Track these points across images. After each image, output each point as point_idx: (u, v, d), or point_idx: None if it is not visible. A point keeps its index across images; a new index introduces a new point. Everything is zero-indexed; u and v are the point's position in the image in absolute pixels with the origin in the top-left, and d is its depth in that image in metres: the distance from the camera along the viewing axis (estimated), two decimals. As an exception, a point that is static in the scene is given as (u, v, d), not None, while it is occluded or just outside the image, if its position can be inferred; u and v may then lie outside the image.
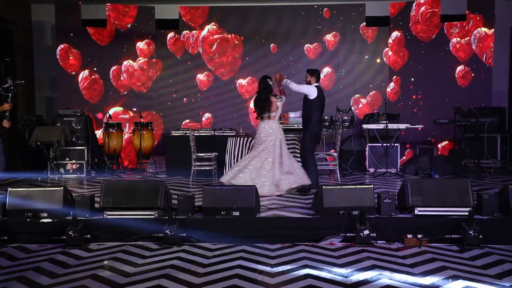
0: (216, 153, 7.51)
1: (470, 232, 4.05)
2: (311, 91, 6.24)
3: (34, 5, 9.82)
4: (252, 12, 9.66)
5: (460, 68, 9.10)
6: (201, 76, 9.72)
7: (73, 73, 9.34)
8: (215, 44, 9.64)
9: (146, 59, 9.59)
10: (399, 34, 9.36)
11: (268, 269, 3.55)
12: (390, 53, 9.42)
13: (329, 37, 9.56)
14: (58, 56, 9.25)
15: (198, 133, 8.07)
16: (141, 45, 9.57)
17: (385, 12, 9.44)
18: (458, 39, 9.12)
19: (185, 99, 9.71)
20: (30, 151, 8.17)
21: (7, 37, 8.79)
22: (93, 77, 9.40)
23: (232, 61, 9.69)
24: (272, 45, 9.63)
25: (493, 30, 8.95)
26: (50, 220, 4.51)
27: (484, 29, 8.99)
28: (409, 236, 4.17)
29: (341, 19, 9.51)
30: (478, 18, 9.00)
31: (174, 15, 9.58)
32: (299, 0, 9.58)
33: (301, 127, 7.86)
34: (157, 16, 9.58)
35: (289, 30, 9.61)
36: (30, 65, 9.83)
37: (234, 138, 7.12)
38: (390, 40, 9.41)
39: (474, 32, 9.03)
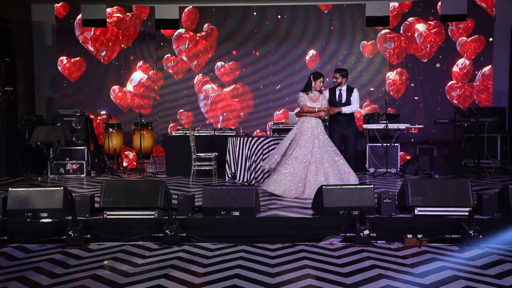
0: (216, 153, 7.51)
1: (470, 232, 4.05)
2: (358, 95, 6.35)
3: (34, 5, 9.82)
4: (248, 13, 9.64)
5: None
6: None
7: (74, 81, 9.39)
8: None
9: (146, 79, 9.67)
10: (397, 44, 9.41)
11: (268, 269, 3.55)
12: (390, 74, 9.47)
13: (329, 36, 9.57)
14: (60, 68, 9.33)
15: (198, 133, 8.07)
16: (141, 64, 9.66)
17: (385, 12, 9.44)
18: (460, 64, 9.14)
19: (181, 110, 9.74)
20: (30, 151, 8.17)
21: (7, 37, 8.79)
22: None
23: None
24: (271, 47, 9.65)
25: (490, 67, 8.95)
26: (50, 220, 4.51)
27: (485, 69, 8.97)
28: (409, 236, 4.17)
29: (343, 18, 9.52)
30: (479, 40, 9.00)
31: (174, 15, 9.58)
32: (299, 0, 9.58)
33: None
34: (157, 16, 9.59)
35: (287, 31, 9.60)
36: (30, 65, 9.83)
37: (234, 138, 7.12)
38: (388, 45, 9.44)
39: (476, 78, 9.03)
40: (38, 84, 9.99)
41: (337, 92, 6.28)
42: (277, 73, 9.66)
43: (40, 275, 3.46)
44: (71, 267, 3.64)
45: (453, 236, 4.18)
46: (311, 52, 9.61)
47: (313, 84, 5.97)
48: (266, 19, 9.61)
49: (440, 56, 9.21)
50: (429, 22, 9.23)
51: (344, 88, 6.28)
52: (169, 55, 9.67)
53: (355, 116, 6.39)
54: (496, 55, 9.08)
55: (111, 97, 9.55)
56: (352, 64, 9.55)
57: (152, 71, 9.66)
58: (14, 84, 8.44)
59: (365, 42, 9.51)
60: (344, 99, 6.23)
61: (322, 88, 6.06)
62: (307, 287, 3.18)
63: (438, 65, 9.20)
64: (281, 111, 9.63)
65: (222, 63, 9.65)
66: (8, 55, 8.34)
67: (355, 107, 6.19)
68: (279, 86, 9.60)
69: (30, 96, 9.82)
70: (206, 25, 9.62)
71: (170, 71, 9.68)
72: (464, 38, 9.05)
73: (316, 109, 5.91)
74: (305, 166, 5.75)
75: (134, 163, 9.31)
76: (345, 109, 6.17)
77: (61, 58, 9.32)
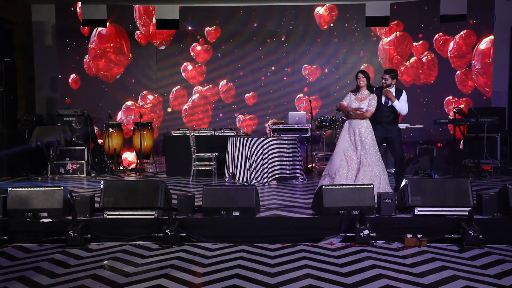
0: (216, 153, 7.51)
1: (470, 232, 4.05)
2: (406, 98, 5.89)
3: (34, 5, 9.82)
4: (249, 13, 9.65)
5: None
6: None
7: (75, 90, 9.42)
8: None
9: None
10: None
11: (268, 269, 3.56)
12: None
13: (328, 35, 9.58)
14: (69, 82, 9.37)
15: (198, 133, 8.07)
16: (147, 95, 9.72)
17: (385, 12, 9.43)
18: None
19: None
20: (30, 151, 8.17)
21: (7, 37, 8.80)
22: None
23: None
24: (269, 45, 9.66)
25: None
26: (50, 220, 4.51)
27: None
28: (409, 236, 4.18)
29: (344, 18, 9.53)
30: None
31: (174, 15, 9.59)
32: (299, 0, 9.58)
33: (302, 127, 7.84)
34: (157, 16, 9.59)
35: (286, 31, 9.60)
36: (30, 65, 9.83)
37: (234, 138, 7.12)
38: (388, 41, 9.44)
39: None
40: (38, 84, 9.99)
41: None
42: (275, 82, 9.70)
43: (40, 275, 3.46)
44: (71, 267, 3.64)
45: (453, 236, 4.18)
46: (306, 48, 9.63)
47: (356, 83, 5.71)
48: (264, 24, 9.63)
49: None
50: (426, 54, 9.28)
51: (393, 90, 5.80)
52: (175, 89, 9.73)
53: (398, 119, 5.96)
54: (496, 55, 9.08)
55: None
56: (351, 64, 9.57)
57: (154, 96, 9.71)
58: (14, 84, 8.44)
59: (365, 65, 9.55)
60: (390, 102, 5.78)
61: (361, 85, 5.61)
62: (307, 287, 3.18)
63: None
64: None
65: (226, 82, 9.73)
66: (8, 55, 8.34)
67: (405, 108, 5.77)
68: (271, 99, 9.67)
69: (30, 96, 9.81)
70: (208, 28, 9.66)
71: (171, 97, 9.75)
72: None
73: (349, 108, 5.60)
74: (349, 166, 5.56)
75: (134, 163, 9.31)
76: (397, 103, 5.71)
77: (71, 76, 9.38)
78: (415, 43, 9.33)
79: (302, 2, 9.57)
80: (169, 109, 9.74)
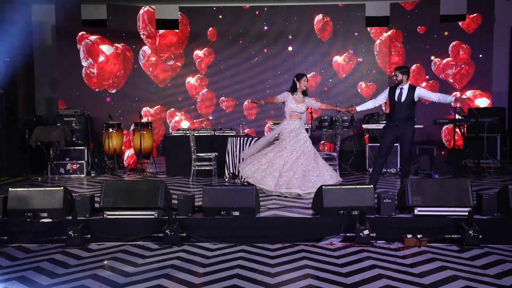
0: (216, 153, 7.50)
1: (470, 232, 4.06)
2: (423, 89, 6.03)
3: (34, 5, 9.82)
4: (248, 13, 9.64)
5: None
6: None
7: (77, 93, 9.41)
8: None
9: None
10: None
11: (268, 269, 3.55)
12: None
13: (328, 36, 9.57)
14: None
15: (198, 133, 8.07)
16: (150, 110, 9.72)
17: (385, 12, 9.43)
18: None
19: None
20: (30, 151, 8.17)
21: (7, 37, 8.79)
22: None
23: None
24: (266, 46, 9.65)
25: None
26: (50, 220, 4.51)
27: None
28: (409, 236, 4.18)
29: (343, 19, 9.53)
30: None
31: (174, 15, 9.59)
32: (299, 1, 9.58)
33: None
34: (157, 16, 9.59)
35: (286, 31, 9.60)
36: (30, 65, 9.81)
37: (234, 138, 7.13)
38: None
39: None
40: (38, 84, 9.98)
41: (397, 91, 5.83)
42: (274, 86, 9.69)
43: (40, 275, 3.46)
44: (71, 267, 3.64)
45: (453, 236, 4.18)
46: (308, 47, 9.63)
47: (298, 85, 6.05)
48: (262, 19, 9.62)
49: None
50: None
51: (406, 86, 5.79)
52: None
53: (415, 117, 6.00)
54: (496, 55, 9.08)
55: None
56: (352, 65, 9.57)
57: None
58: (14, 84, 8.42)
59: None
60: (403, 98, 5.77)
61: (305, 87, 6.08)
62: (307, 287, 3.19)
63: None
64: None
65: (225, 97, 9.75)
66: (8, 55, 8.33)
67: (432, 95, 5.82)
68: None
69: (30, 96, 9.81)
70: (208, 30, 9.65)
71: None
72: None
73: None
74: (282, 163, 5.90)
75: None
76: (436, 97, 5.79)
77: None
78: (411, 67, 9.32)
79: (300, 2, 9.56)
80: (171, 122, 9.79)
